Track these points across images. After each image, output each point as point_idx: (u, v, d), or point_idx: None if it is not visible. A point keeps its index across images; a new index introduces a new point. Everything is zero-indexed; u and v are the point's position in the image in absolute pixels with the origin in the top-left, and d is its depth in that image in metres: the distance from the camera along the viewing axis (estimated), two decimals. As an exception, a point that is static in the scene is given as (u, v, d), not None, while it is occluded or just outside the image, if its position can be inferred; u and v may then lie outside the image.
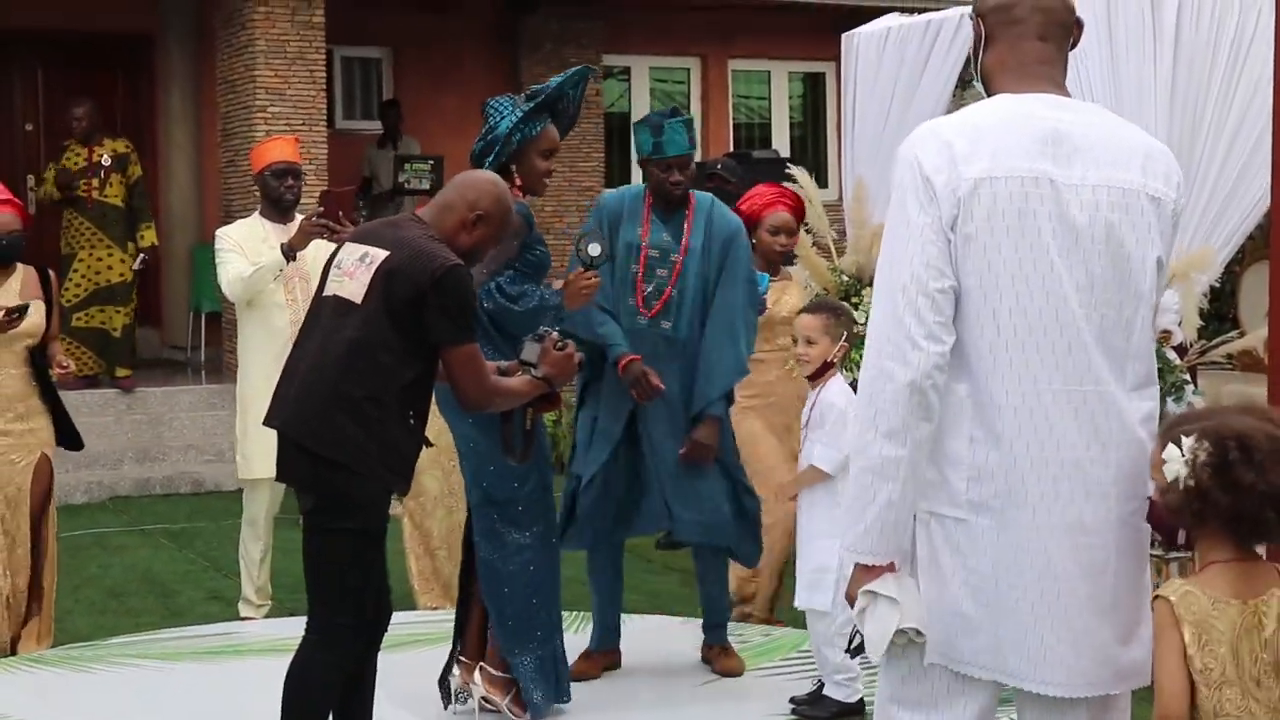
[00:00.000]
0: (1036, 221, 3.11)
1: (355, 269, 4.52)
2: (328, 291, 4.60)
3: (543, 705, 5.64)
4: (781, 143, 16.05)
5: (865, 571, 3.18)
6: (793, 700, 5.84)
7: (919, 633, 3.16)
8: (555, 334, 4.84)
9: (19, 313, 6.51)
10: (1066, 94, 3.27)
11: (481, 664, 5.67)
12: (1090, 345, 3.14)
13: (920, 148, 3.17)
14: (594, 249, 5.59)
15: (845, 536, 3.21)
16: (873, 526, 3.15)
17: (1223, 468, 3.04)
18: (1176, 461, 3.09)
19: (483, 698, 5.63)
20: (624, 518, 6.14)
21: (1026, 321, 3.12)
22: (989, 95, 3.32)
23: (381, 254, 4.49)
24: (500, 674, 5.66)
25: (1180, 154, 6.81)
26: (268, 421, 4.65)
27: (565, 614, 5.85)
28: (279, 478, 4.75)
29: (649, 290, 6.04)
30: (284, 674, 4.60)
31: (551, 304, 5.52)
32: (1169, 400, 6.83)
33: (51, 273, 6.87)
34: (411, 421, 4.53)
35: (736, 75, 16.20)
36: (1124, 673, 3.21)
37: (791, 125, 16.39)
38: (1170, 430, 3.15)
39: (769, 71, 16.28)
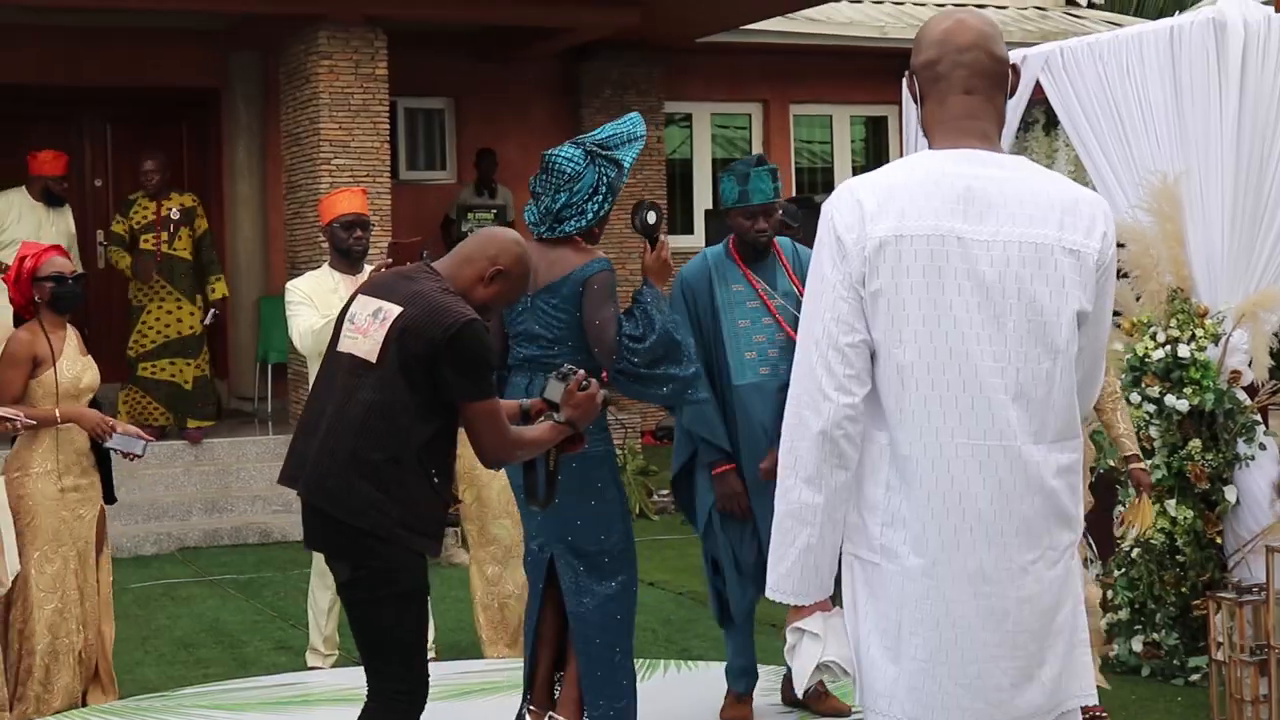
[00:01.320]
0: (942, 279, 3.18)
1: (369, 325, 4.43)
2: (341, 348, 4.50)
3: None
4: (844, 187, 16.04)
5: (795, 611, 3.33)
6: None
7: (844, 670, 3.28)
8: (581, 373, 4.71)
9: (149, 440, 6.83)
10: (994, 147, 3.31)
11: (552, 714, 5.66)
12: (1001, 400, 3.19)
13: (835, 206, 3.27)
14: (651, 216, 5.66)
15: (769, 576, 3.34)
16: (793, 569, 3.30)
17: None
18: None
19: None
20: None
21: (930, 376, 3.19)
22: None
23: (395, 310, 4.40)
24: None
25: (1247, 192, 6.79)
26: (283, 480, 4.57)
27: (636, 661, 5.83)
28: (307, 545, 4.70)
29: (764, 341, 6.04)
30: (351, 725, 4.60)
31: (670, 329, 5.53)
32: (1240, 441, 6.77)
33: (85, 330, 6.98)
34: (435, 480, 4.43)
35: (798, 120, 16.22)
36: (1017, 714, 3.27)
37: (854, 169, 16.39)
38: None
39: (831, 115, 16.30)
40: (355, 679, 6.06)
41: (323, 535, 4.52)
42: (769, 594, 3.34)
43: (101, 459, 6.80)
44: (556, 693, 5.79)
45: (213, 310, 11.63)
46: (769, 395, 5.91)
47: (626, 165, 5.58)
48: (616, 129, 5.65)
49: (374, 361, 4.37)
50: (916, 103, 3.38)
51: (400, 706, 4.50)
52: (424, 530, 4.44)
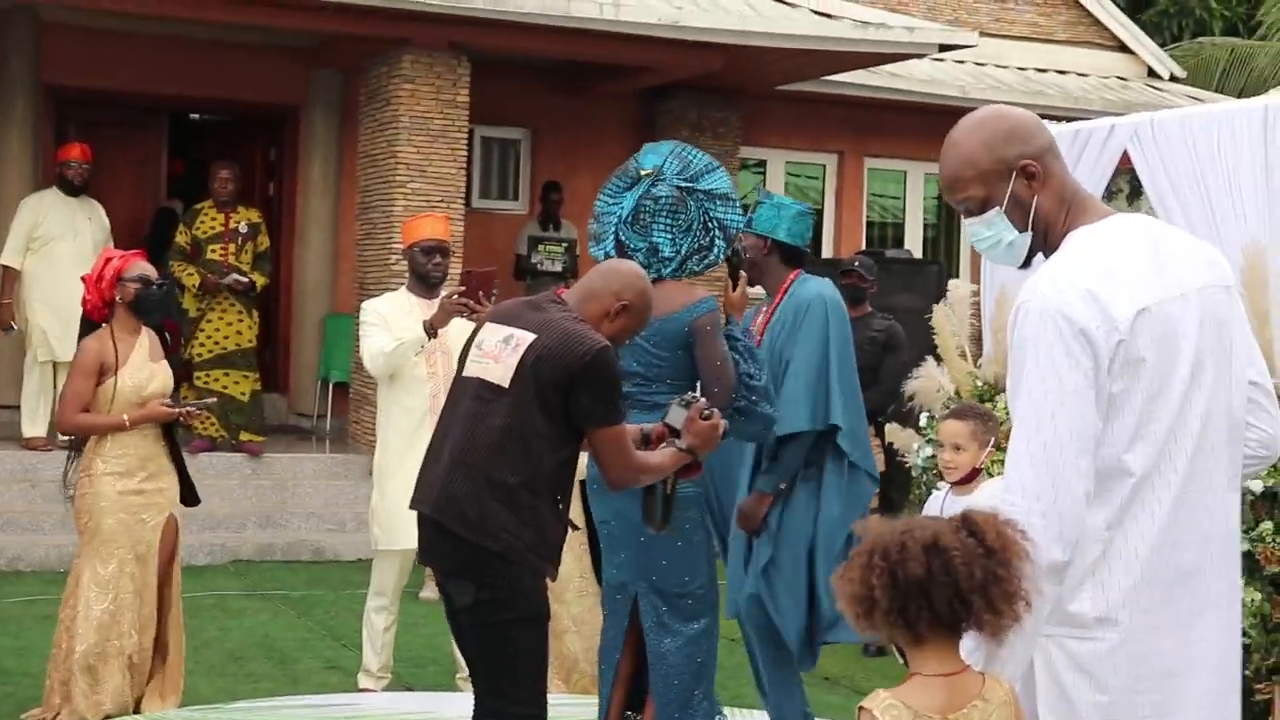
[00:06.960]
0: (1178, 342, 3.14)
1: (500, 351, 4.50)
2: (469, 373, 4.58)
3: None
4: (914, 243, 16.00)
5: None
6: None
7: None
8: (703, 400, 4.80)
9: (200, 408, 6.88)
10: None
11: None
12: (1215, 445, 3.18)
13: (1062, 302, 3.10)
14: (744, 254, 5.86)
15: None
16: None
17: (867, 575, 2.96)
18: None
19: None
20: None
21: (1174, 437, 3.14)
22: (1055, 235, 3.31)
23: (528, 337, 4.48)
24: None
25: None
26: (415, 505, 4.63)
27: (729, 709, 5.83)
28: (425, 561, 4.74)
29: None
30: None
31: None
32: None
33: (168, 333, 7.00)
34: (560, 506, 4.52)
35: (872, 173, 16.18)
36: None
37: (925, 226, 16.34)
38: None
39: (905, 171, 16.26)
40: (407, 704, 6.06)
41: (445, 553, 4.55)
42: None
43: (178, 464, 6.81)
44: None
45: (234, 275, 11.42)
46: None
47: (732, 194, 5.60)
48: (685, 161, 5.63)
49: (506, 386, 4.44)
50: (1034, 188, 3.32)
51: None
52: (548, 555, 4.52)
